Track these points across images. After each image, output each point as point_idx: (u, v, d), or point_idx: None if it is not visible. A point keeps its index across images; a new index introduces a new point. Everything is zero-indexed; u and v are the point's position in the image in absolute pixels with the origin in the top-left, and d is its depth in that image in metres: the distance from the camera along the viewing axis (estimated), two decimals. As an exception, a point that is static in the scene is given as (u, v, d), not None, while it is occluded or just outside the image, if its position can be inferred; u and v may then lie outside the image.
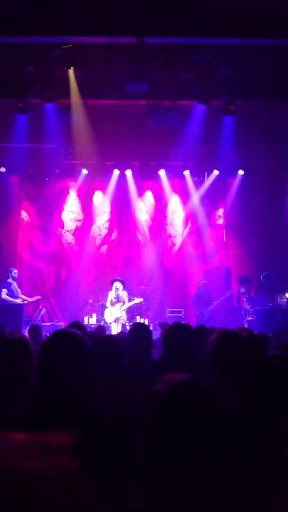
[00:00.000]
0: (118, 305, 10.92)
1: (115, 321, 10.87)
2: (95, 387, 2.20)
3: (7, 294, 10.27)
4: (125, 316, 11.02)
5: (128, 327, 10.03)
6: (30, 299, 10.88)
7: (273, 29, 7.58)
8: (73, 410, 1.64)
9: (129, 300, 11.06)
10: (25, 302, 10.65)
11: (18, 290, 10.60)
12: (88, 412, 1.69)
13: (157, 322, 9.94)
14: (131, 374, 2.94)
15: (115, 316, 10.89)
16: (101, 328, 7.40)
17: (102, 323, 10.72)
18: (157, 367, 3.07)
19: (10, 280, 10.52)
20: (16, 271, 10.78)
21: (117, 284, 11.01)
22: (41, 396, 1.73)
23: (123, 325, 10.79)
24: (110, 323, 10.87)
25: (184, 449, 0.94)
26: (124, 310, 11.00)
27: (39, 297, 11.42)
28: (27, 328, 8.94)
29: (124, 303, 10.97)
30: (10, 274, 10.58)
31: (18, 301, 10.36)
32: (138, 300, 11.15)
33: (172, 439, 0.96)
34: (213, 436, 0.95)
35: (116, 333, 9.52)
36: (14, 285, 10.56)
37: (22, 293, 10.76)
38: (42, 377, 1.69)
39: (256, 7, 7.31)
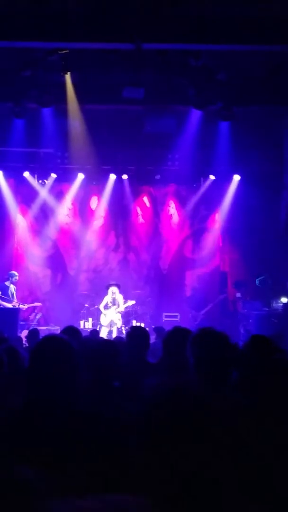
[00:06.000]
0: (113, 308, 10.93)
1: (110, 324, 10.86)
2: (84, 391, 2.21)
3: (0, 297, 10.15)
4: (120, 319, 11.01)
5: (124, 331, 10.02)
6: (27, 306, 10.81)
7: (268, 35, 7.65)
8: (60, 415, 1.65)
9: (124, 303, 11.06)
10: (24, 308, 10.58)
11: (14, 294, 10.53)
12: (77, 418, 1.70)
13: (152, 327, 9.93)
14: (128, 377, 2.95)
15: (110, 318, 10.89)
16: (95, 332, 7.41)
17: (98, 327, 10.70)
18: (156, 370, 3.09)
19: (7, 283, 10.45)
20: (17, 276, 10.64)
21: (113, 289, 11.01)
22: (29, 401, 1.74)
23: (119, 329, 10.78)
24: (106, 326, 10.86)
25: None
26: (120, 312, 10.99)
27: (40, 304, 11.37)
28: (25, 331, 8.92)
29: (119, 306, 10.98)
30: (10, 278, 10.49)
31: (10, 305, 10.25)
32: (130, 303, 11.12)
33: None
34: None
35: (112, 338, 9.53)
36: (11, 288, 10.49)
37: (17, 297, 10.70)
38: (31, 383, 1.71)
39: (251, 14, 7.39)
